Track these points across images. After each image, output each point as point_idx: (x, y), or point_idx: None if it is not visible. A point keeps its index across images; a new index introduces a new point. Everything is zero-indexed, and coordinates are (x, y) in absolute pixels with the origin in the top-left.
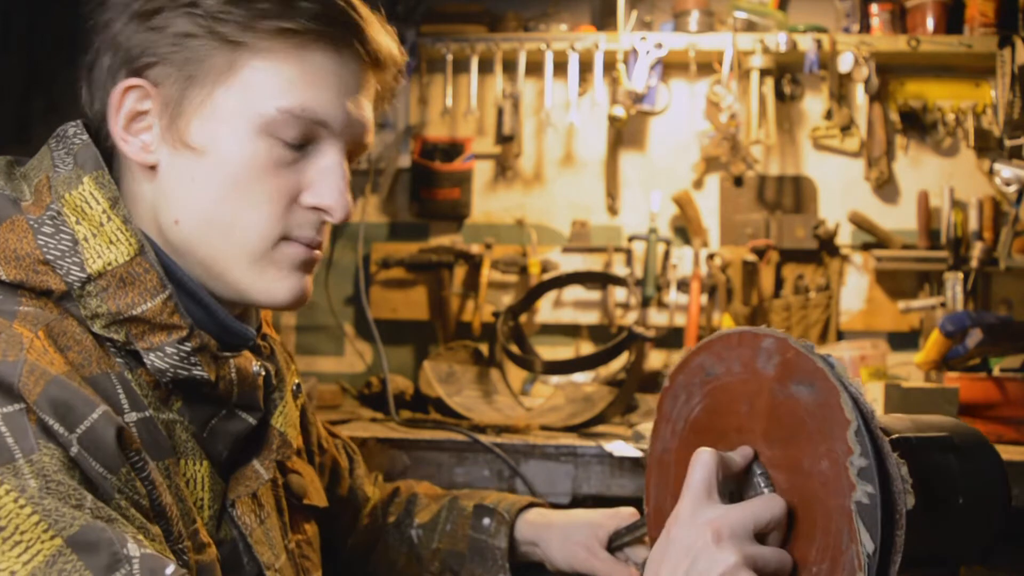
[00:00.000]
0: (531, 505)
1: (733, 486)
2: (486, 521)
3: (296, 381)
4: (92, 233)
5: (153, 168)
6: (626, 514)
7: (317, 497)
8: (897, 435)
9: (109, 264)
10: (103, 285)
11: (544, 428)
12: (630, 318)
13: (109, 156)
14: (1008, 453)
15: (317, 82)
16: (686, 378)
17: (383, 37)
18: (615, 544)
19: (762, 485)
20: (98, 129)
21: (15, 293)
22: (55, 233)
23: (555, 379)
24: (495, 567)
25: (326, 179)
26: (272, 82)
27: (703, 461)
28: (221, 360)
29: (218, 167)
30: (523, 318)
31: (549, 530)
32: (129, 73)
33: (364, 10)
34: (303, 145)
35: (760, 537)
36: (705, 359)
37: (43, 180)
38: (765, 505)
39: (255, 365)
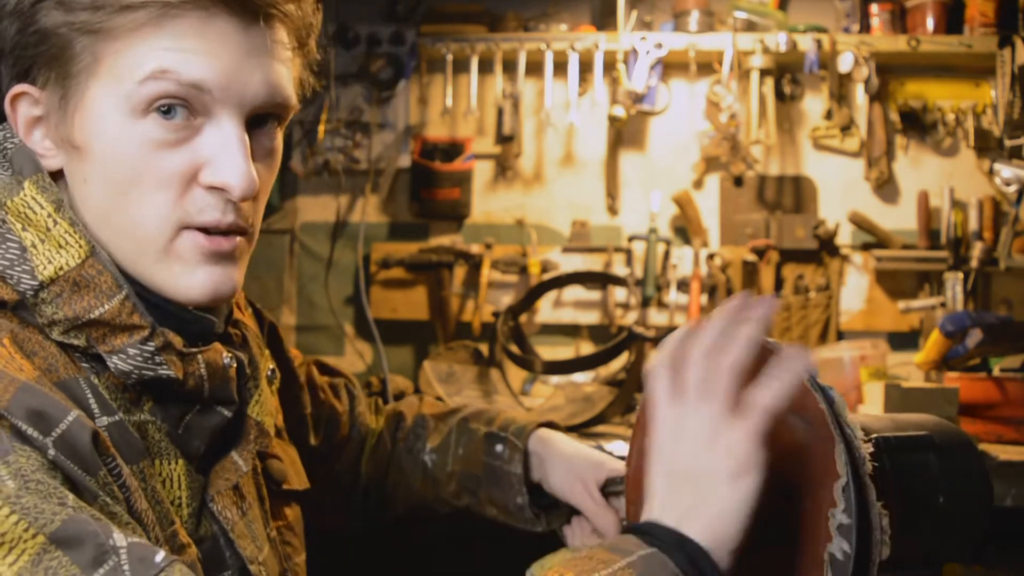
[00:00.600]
0: (540, 426)
1: None
2: (499, 448)
3: (271, 367)
4: (40, 239)
5: (59, 171)
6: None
7: (297, 480)
8: (876, 435)
9: (61, 269)
10: (57, 291)
11: None
12: (630, 318)
13: None
14: (1008, 453)
15: (180, 46)
16: None
17: None
18: (608, 490)
19: None
20: None
21: None
22: (1, 242)
23: (555, 379)
24: (512, 491)
25: (221, 153)
26: (135, 59)
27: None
28: (188, 356)
29: (102, 162)
30: (523, 318)
31: (554, 457)
32: (15, 78)
33: None
34: (189, 119)
35: None
36: None
37: None
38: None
39: (225, 357)
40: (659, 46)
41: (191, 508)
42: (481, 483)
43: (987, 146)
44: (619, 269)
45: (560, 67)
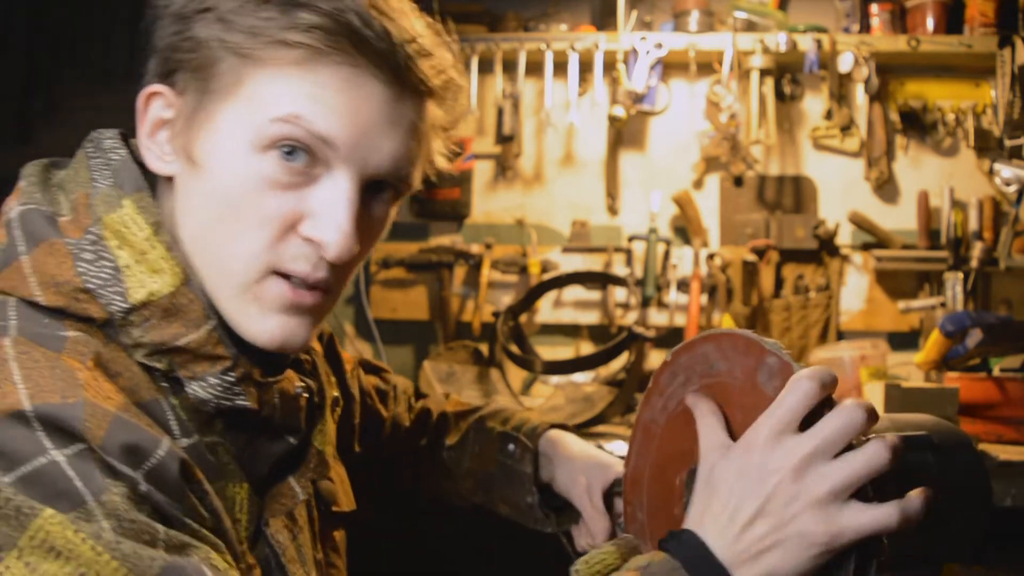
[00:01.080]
0: (552, 427)
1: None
2: (511, 447)
3: (335, 394)
4: (135, 260)
5: (170, 180)
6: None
7: (346, 501)
8: (875, 435)
9: (152, 295)
10: (146, 315)
11: None
12: (630, 318)
13: (153, 176)
14: (1008, 453)
15: (322, 98)
16: (689, 361)
17: (424, 58)
18: (615, 490)
19: None
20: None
21: (58, 319)
22: (95, 260)
23: (555, 379)
24: (523, 490)
25: (328, 209)
26: (273, 95)
27: (803, 388)
28: (264, 386)
29: (213, 185)
30: (523, 318)
31: (561, 457)
32: (157, 78)
33: (397, 25)
34: (309, 167)
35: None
36: (711, 351)
37: (81, 197)
38: (870, 458)
39: (297, 386)
40: (659, 46)
41: (248, 531)
42: (495, 481)
43: (987, 146)
44: (619, 269)
45: (560, 67)
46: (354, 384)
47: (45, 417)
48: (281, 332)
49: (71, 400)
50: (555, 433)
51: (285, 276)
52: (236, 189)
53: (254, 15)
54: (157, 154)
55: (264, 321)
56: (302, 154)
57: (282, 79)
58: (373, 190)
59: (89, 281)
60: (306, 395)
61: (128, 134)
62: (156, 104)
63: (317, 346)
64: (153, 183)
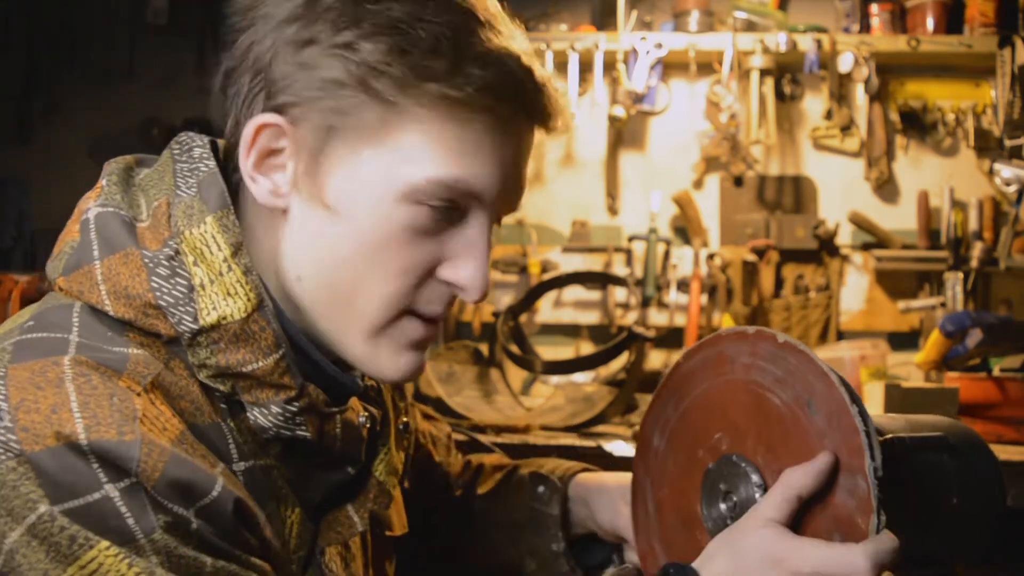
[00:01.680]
0: (584, 471)
1: (727, 483)
2: (541, 489)
3: (404, 420)
4: (210, 280)
5: (283, 212)
6: None
7: (399, 525)
8: (891, 435)
9: (224, 318)
10: (215, 338)
11: (544, 428)
12: (630, 318)
13: (235, 189)
14: (1008, 453)
15: (476, 154)
16: (764, 352)
17: (556, 102)
18: None
19: (758, 496)
20: (227, 155)
21: (122, 330)
22: (170, 276)
23: (555, 379)
24: (549, 536)
25: (468, 254)
26: (426, 150)
27: (798, 481)
28: (328, 416)
29: (352, 230)
30: (523, 318)
31: (599, 491)
32: (267, 106)
33: (541, 75)
34: (449, 216)
35: None
36: (738, 349)
37: (163, 205)
38: (845, 559)
39: (361, 416)
40: (659, 46)
41: (298, 556)
42: (523, 530)
43: (987, 146)
44: (619, 269)
45: (560, 67)
46: (413, 417)
47: (101, 452)
48: (411, 366)
49: (128, 438)
50: (587, 475)
51: (418, 316)
52: (379, 237)
53: (410, 65)
54: (268, 188)
55: (398, 358)
56: (446, 208)
57: (436, 133)
58: None
59: (162, 298)
60: (368, 425)
61: (216, 143)
62: (267, 134)
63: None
64: (235, 203)
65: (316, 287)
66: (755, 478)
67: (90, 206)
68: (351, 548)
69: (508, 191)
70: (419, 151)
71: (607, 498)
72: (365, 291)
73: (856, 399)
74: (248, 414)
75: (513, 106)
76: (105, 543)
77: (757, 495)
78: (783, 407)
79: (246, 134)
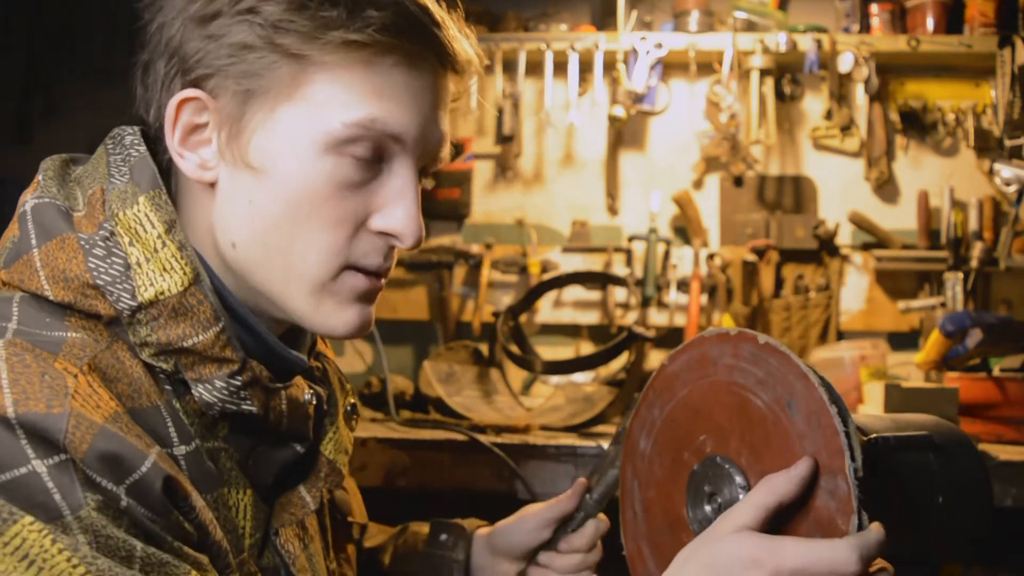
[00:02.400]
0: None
1: (712, 485)
2: (443, 536)
3: (352, 402)
4: (146, 258)
5: (212, 186)
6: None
7: (359, 514)
8: (875, 434)
9: (162, 293)
10: (154, 314)
11: (544, 428)
12: (630, 318)
13: (166, 170)
14: (1008, 453)
15: (389, 94)
16: (733, 351)
17: (460, 42)
18: (563, 532)
19: (742, 497)
20: (155, 138)
21: (62, 315)
22: (106, 256)
23: (555, 379)
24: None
25: (398, 201)
26: (339, 97)
27: (777, 489)
28: (272, 391)
29: (278, 189)
30: (523, 318)
31: (502, 528)
32: (185, 84)
33: (440, 14)
34: (374, 163)
35: None
36: (722, 350)
37: (97, 193)
38: (830, 555)
39: (306, 393)
40: (659, 46)
41: (254, 539)
42: (417, 572)
43: (987, 146)
44: (619, 269)
45: (560, 67)
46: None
47: (29, 426)
48: (359, 320)
49: (56, 411)
50: (486, 528)
51: (359, 271)
52: (307, 192)
53: (310, 17)
54: (195, 162)
55: (343, 313)
56: (368, 157)
57: (347, 79)
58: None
59: (99, 277)
60: (314, 403)
61: (147, 130)
62: (187, 110)
63: (331, 353)
64: (168, 184)
65: (251, 251)
66: (739, 480)
67: (27, 200)
68: (308, 529)
69: (428, 135)
70: (332, 99)
71: (506, 523)
72: (299, 248)
73: (836, 399)
74: (193, 391)
75: (415, 42)
76: (29, 518)
77: (741, 496)
78: (765, 408)
79: (168, 113)
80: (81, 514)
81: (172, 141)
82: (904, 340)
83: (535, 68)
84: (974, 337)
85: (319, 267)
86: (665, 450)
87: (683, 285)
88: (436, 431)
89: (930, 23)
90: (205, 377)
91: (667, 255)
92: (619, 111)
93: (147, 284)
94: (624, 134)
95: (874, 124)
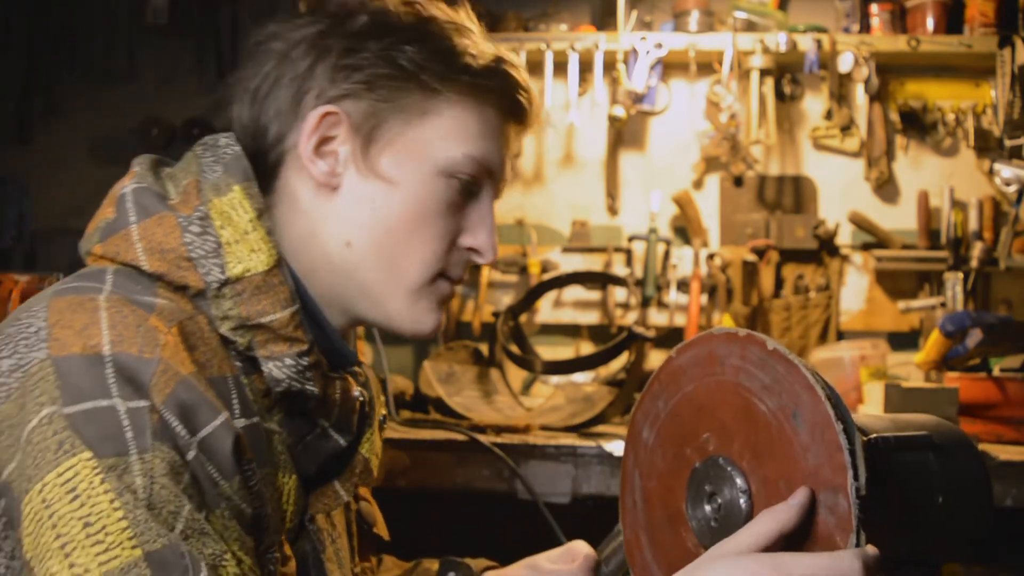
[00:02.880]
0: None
1: (713, 485)
2: (451, 575)
3: (384, 413)
4: (236, 239)
5: (334, 189)
6: (577, 550)
7: (382, 529)
8: (875, 435)
9: (248, 271)
10: (239, 289)
11: (544, 428)
12: (630, 318)
13: (261, 173)
14: (1008, 453)
15: (490, 135)
16: (740, 351)
17: (536, 104)
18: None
19: (742, 501)
20: (252, 148)
21: (153, 284)
22: (201, 233)
23: (555, 379)
24: None
25: (482, 223)
26: (459, 130)
27: (779, 517)
28: (329, 379)
29: (400, 199)
30: (523, 318)
31: (513, 570)
32: (322, 101)
33: (524, 78)
34: (470, 192)
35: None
36: (730, 349)
37: (191, 182)
38: (838, 564)
39: (356, 390)
40: (659, 46)
41: (292, 524)
42: None
43: (987, 146)
44: (619, 269)
45: (560, 67)
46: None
47: (120, 364)
48: (437, 321)
49: (147, 355)
50: (495, 570)
51: (447, 279)
52: (422, 206)
53: (445, 62)
54: (324, 168)
55: (431, 314)
56: (470, 187)
57: (464, 117)
58: None
59: (193, 251)
60: (361, 399)
61: (239, 136)
62: (325, 123)
63: (369, 366)
64: (266, 185)
65: (365, 250)
66: (740, 482)
67: (125, 186)
68: (336, 526)
69: (505, 175)
70: (454, 131)
71: (523, 569)
72: (408, 253)
73: (843, 415)
74: (263, 367)
75: (511, 98)
76: (87, 454)
77: (741, 500)
78: (769, 415)
79: (308, 124)
80: (146, 457)
81: (306, 148)
82: (904, 340)
83: (535, 68)
84: (974, 337)
85: (422, 272)
86: (668, 443)
87: (683, 285)
88: (436, 431)
89: (930, 23)
90: (276, 355)
91: (667, 255)
92: (619, 111)
93: (236, 261)
94: (624, 134)
95: (874, 124)
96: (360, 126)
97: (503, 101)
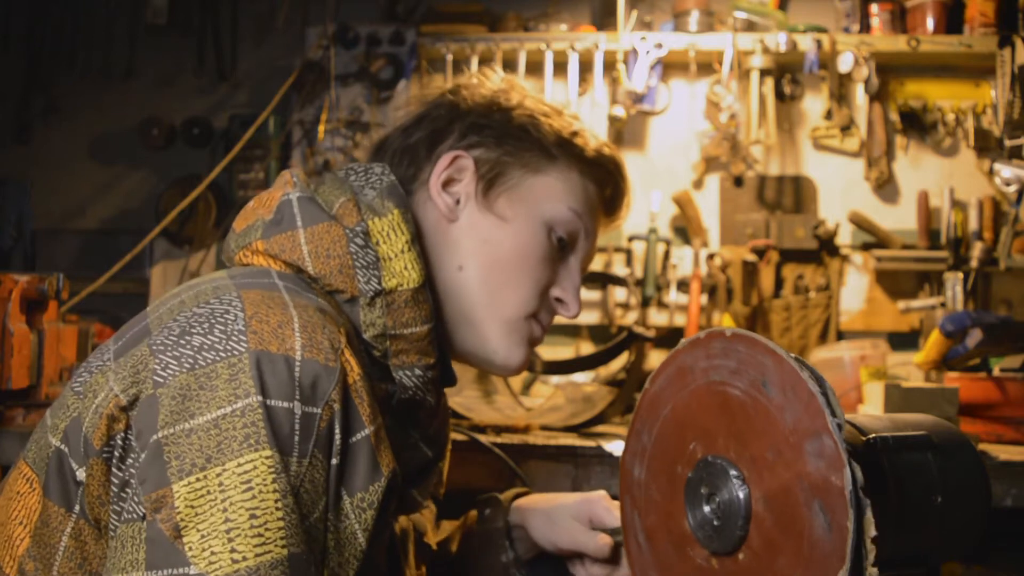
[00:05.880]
0: (520, 495)
1: (708, 486)
2: (487, 511)
3: (454, 436)
4: (392, 256)
5: (452, 222)
6: (596, 497)
7: (431, 537)
8: (873, 434)
9: (400, 285)
10: (390, 301)
11: (544, 428)
12: (630, 318)
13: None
14: (1008, 453)
15: (587, 208)
16: (747, 357)
17: (628, 201)
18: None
19: (738, 488)
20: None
21: (311, 286)
22: (363, 246)
23: (555, 379)
24: (497, 549)
25: (571, 279)
26: (567, 193)
27: None
28: (439, 394)
29: (510, 235)
30: None
31: (533, 512)
32: (455, 147)
33: (629, 183)
34: (565, 250)
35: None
36: (769, 365)
37: (349, 200)
38: None
39: (450, 409)
40: (659, 46)
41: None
42: (477, 558)
43: (987, 146)
44: (619, 269)
45: (560, 67)
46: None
47: (307, 370)
48: (525, 359)
49: (332, 365)
50: (523, 498)
51: (536, 321)
52: (525, 249)
53: (561, 130)
54: (449, 202)
55: (520, 348)
56: (566, 243)
57: (571, 181)
58: None
59: (357, 261)
60: (451, 419)
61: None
62: (456, 164)
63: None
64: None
65: (471, 276)
66: (733, 472)
67: (288, 192)
68: (409, 533)
69: (593, 244)
70: (561, 192)
71: (540, 525)
72: (509, 288)
73: (806, 366)
74: (394, 374)
75: (610, 186)
76: (268, 452)
77: (737, 487)
78: (743, 395)
79: (441, 163)
80: (304, 462)
81: (436, 184)
82: (904, 340)
83: (535, 68)
84: (974, 337)
85: (518, 306)
86: (659, 471)
87: (683, 285)
88: None
89: (930, 23)
90: (408, 364)
91: (667, 255)
92: (619, 111)
93: (391, 275)
94: (624, 134)
95: (874, 124)
96: (485, 171)
97: (603, 186)
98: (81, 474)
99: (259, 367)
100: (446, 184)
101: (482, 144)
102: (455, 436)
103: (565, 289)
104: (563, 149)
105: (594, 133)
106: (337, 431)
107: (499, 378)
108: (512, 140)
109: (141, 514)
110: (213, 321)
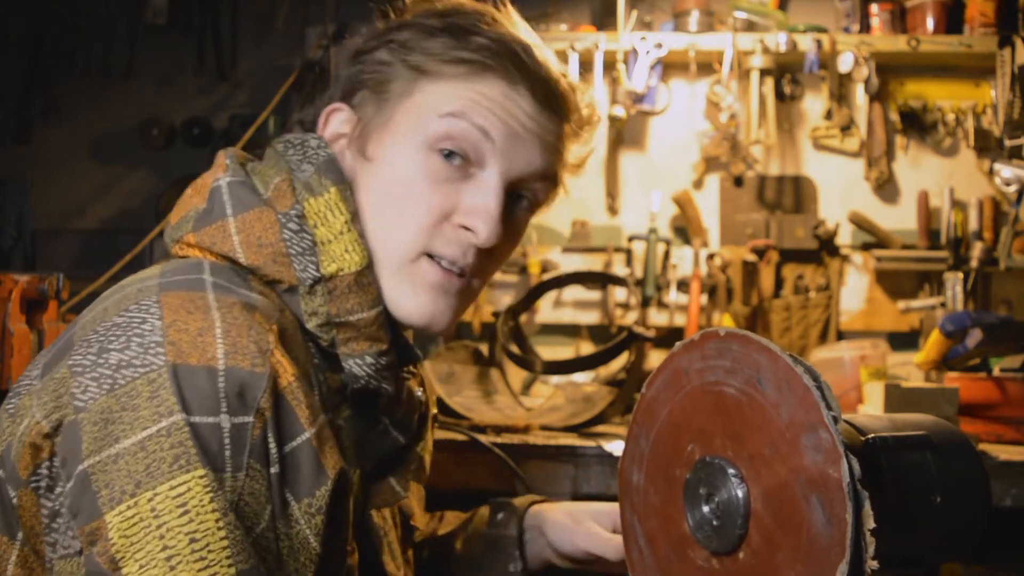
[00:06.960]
0: (538, 502)
1: (706, 486)
2: (500, 515)
3: (435, 411)
4: (330, 239)
5: (354, 181)
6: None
7: (420, 519)
8: (872, 434)
9: (341, 270)
10: (331, 288)
11: (544, 428)
12: (630, 318)
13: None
14: (1008, 453)
15: (482, 100)
16: (741, 355)
17: (560, 85)
18: None
19: (736, 486)
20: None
21: (246, 277)
22: (298, 231)
23: (555, 379)
24: (506, 557)
25: (479, 200)
26: (441, 99)
27: None
28: (399, 379)
29: (382, 177)
30: (523, 318)
31: (553, 512)
32: (339, 98)
33: (542, 57)
34: (465, 166)
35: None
36: (764, 362)
37: (284, 180)
38: None
39: (418, 390)
40: (659, 46)
41: (354, 516)
42: (482, 561)
43: (987, 146)
44: (619, 269)
45: None
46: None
47: (232, 379)
48: (430, 309)
49: (259, 370)
50: (541, 505)
51: (436, 261)
52: (403, 179)
53: (430, 41)
54: (348, 164)
55: (416, 297)
56: (458, 157)
57: (450, 87)
58: (514, 198)
59: (291, 247)
60: (423, 399)
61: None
62: (336, 119)
63: (422, 369)
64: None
65: (370, 233)
66: (731, 471)
67: (218, 177)
68: (388, 520)
69: (517, 148)
70: (434, 101)
71: (561, 524)
72: (393, 229)
73: (800, 361)
74: (344, 364)
75: (511, 67)
76: (201, 471)
77: (735, 485)
78: (738, 394)
79: (320, 121)
80: (239, 476)
81: (333, 144)
82: (904, 340)
83: None
84: (974, 337)
85: (402, 247)
86: (657, 475)
87: (683, 285)
88: (436, 431)
89: (930, 23)
90: (357, 353)
91: (667, 255)
92: (619, 111)
93: (330, 260)
94: (624, 134)
95: (874, 124)
96: (361, 117)
97: (502, 74)
98: (16, 502)
99: (178, 382)
100: (333, 142)
101: (357, 87)
102: (455, 436)
103: (468, 210)
104: (431, 58)
105: (497, 25)
106: (271, 439)
107: (499, 378)
108: (378, 69)
109: (78, 548)
110: (130, 334)
